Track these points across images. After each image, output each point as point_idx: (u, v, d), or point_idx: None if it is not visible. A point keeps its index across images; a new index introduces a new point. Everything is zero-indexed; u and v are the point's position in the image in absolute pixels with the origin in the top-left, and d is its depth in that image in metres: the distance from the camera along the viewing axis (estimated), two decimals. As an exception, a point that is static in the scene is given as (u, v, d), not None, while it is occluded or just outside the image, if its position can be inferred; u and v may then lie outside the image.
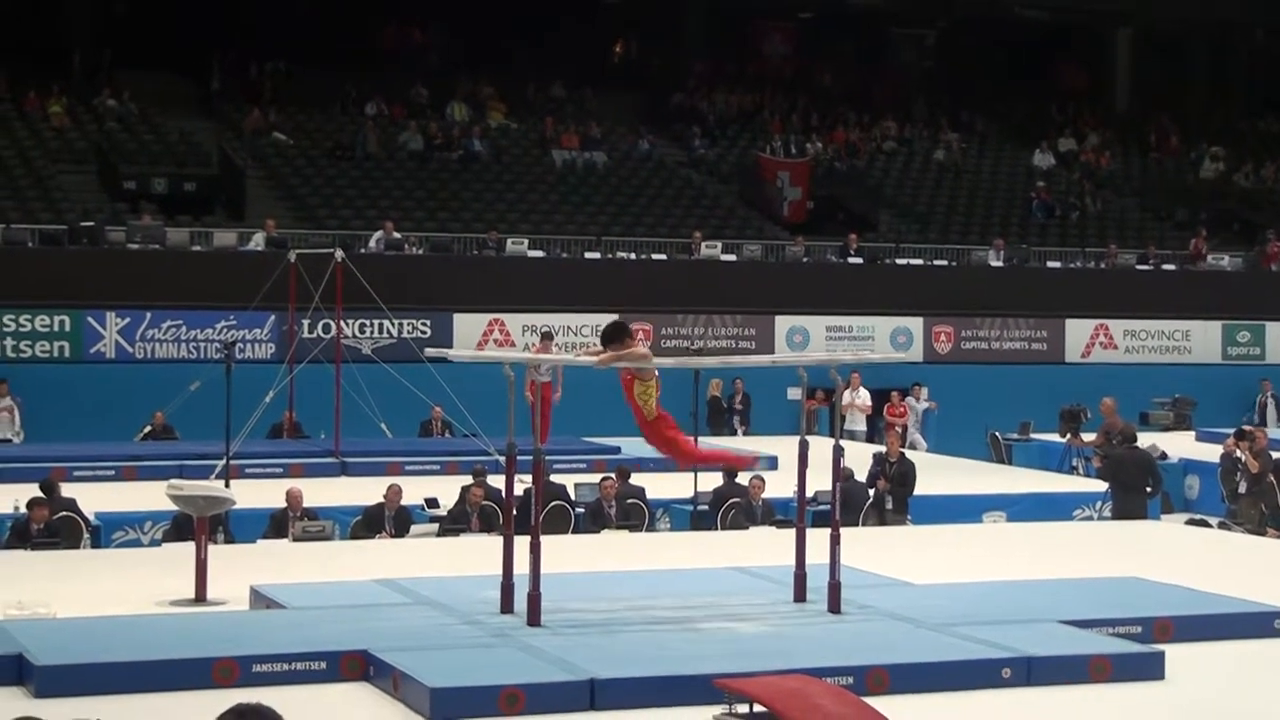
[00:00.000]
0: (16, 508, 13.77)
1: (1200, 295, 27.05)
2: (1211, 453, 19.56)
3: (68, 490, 14.58)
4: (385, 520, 14.34)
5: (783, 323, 24.61)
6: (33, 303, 21.43)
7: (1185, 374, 25.72)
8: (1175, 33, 38.29)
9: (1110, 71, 39.08)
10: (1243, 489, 17.33)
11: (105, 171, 27.09)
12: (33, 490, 13.98)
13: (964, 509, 16.63)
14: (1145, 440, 18.11)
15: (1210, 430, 21.74)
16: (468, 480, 15.10)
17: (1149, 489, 16.26)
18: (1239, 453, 17.67)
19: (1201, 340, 26.68)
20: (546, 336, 21.02)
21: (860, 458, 16.43)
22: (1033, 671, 8.90)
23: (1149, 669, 9.11)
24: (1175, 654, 9.29)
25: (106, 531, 14.37)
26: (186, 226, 24.43)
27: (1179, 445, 20.82)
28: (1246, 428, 18.15)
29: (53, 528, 13.40)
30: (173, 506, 12.03)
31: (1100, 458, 17.27)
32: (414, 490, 15.26)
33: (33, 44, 30.31)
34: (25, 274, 21.79)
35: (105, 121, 28.55)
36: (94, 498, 14.85)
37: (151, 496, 13.97)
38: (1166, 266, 28.00)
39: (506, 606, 9.69)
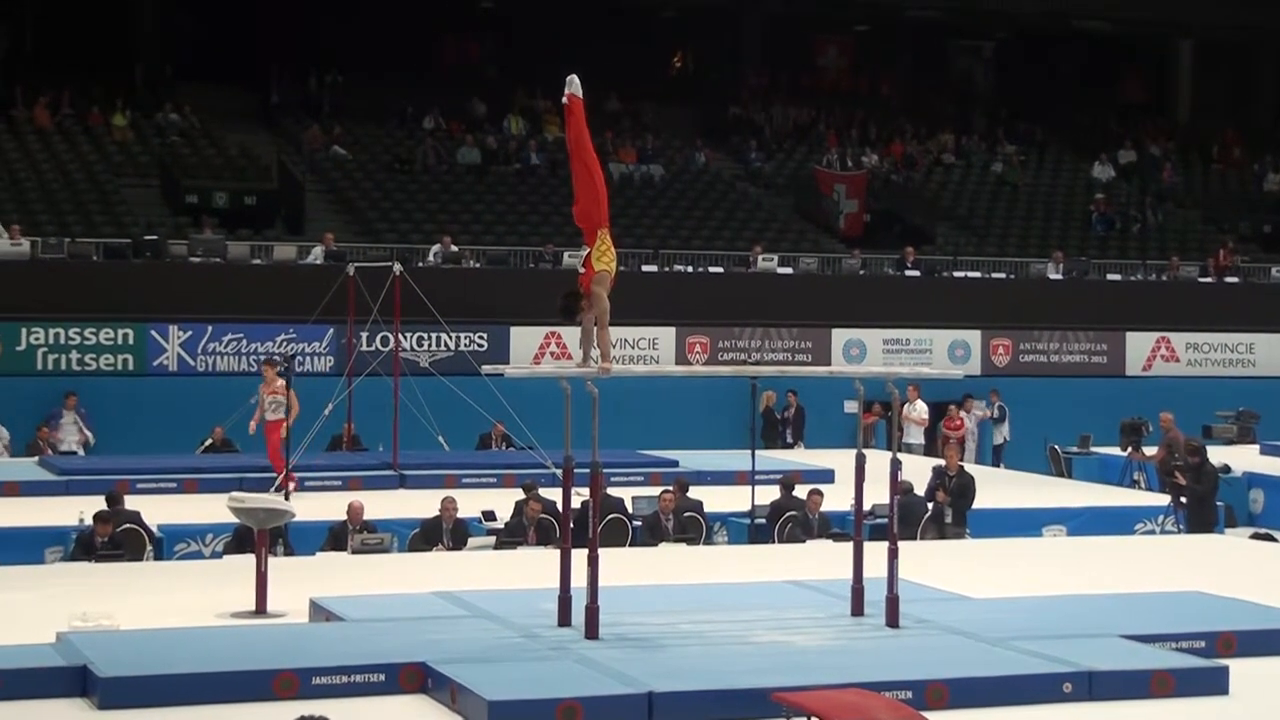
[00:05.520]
0: (81, 520, 13.91)
1: (1263, 308, 26.76)
2: (1276, 466, 19.36)
3: (131, 503, 14.71)
4: (443, 533, 14.38)
5: (839, 336, 24.53)
6: (98, 316, 21.66)
7: (1249, 387, 25.46)
8: (1238, 44, 37.95)
9: (1172, 83, 38.77)
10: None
11: (167, 185, 27.37)
12: (98, 502, 14.12)
13: (1023, 523, 16.53)
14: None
15: (1275, 444, 21.51)
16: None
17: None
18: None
19: (1265, 353, 26.40)
20: (270, 363, 17.95)
21: (918, 471, 16.35)
22: (1094, 686, 8.83)
23: (1212, 684, 9.02)
24: (1239, 669, 9.20)
25: (169, 544, 14.49)
26: (247, 240, 24.64)
27: (1243, 459, 20.60)
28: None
29: (116, 540, 13.52)
30: (233, 519, 12.12)
31: (1184, 475, 16.88)
32: (471, 503, 15.30)
33: (96, 58, 30.72)
34: (90, 287, 22.01)
35: (167, 135, 28.86)
36: (156, 510, 14.98)
37: (213, 509, 14.09)
38: (1229, 279, 27.75)
39: (564, 619, 9.71)
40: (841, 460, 15.59)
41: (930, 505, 15.84)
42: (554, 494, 13.77)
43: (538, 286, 24.20)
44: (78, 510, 14.21)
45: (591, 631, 9.43)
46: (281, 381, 16.89)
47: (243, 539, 13.26)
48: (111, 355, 21.60)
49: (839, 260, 26.83)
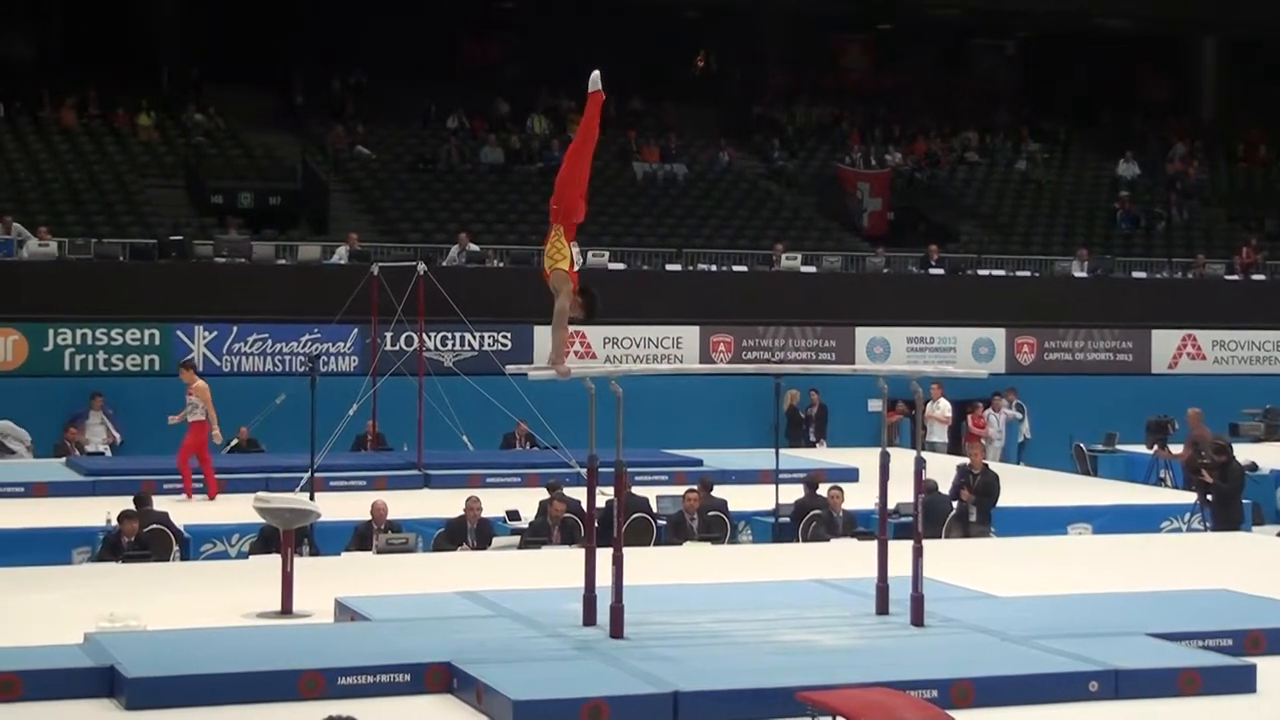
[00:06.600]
0: (109, 520, 13.97)
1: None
2: (1303, 465, 19.28)
3: (157, 503, 14.76)
4: (467, 533, 14.41)
5: (863, 334, 24.50)
6: (124, 316, 21.75)
7: (1276, 385, 25.33)
8: (1262, 41, 37.78)
9: (1196, 81, 38.62)
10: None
11: (192, 185, 27.48)
12: (125, 503, 14.18)
13: (1049, 521, 16.48)
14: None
15: (1302, 442, 21.44)
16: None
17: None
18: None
19: (1293, 351, 26.31)
20: (187, 366, 17.46)
21: (942, 469, 16.32)
22: (1120, 684, 8.81)
23: (1240, 682, 8.99)
24: (1267, 667, 9.17)
25: (195, 544, 14.54)
26: (272, 240, 24.72)
27: (1270, 456, 20.51)
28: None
29: (143, 540, 13.58)
30: (259, 519, 12.16)
31: (1211, 472, 16.80)
32: (495, 502, 15.31)
33: (122, 60, 30.86)
34: (117, 288, 22.10)
35: (193, 136, 28.98)
36: (182, 510, 15.05)
37: (238, 509, 14.14)
38: (1256, 276, 27.64)
39: (589, 619, 9.72)
40: (865, 459, 15.54)
41: (955, 504, 15.81)
42: (578, 493, 13.78)
43: (561, 286, 24.21)
44: (105, 511, 14.27)
45: (616, 631, 9.43)
46: (200, 383, 16.80)
47: (268, 539, 13.31)
48: (138, 355, 21.68)
49: (863, 259, 26.79)
